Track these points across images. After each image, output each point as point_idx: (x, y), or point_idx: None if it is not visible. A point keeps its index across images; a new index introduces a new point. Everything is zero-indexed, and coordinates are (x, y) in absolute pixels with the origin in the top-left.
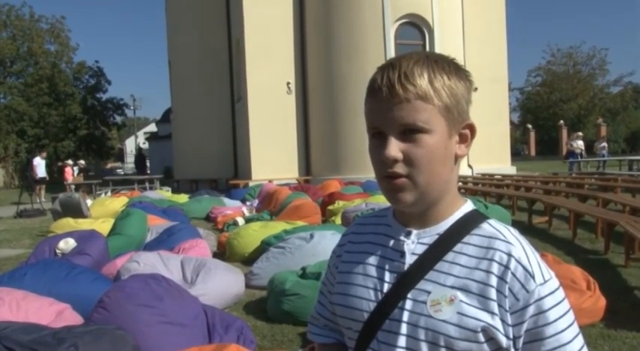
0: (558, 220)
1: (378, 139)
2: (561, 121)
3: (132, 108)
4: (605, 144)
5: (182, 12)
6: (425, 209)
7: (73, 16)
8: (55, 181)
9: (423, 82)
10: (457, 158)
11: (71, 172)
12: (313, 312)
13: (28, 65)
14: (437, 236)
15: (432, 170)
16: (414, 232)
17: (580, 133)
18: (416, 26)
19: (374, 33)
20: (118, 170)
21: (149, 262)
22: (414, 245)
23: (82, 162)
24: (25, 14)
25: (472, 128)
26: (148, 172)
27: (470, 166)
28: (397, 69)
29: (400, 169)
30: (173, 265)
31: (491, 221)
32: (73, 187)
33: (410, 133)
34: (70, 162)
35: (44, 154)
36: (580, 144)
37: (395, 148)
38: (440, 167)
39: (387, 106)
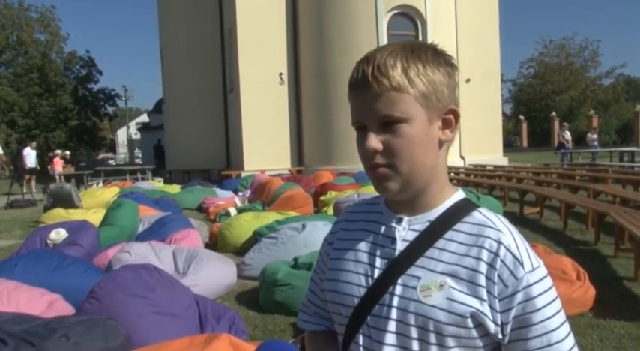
0: (549, 211)
1: (361, 132)
2: (553, 113)
3: (124, 98)
4: (596, 135)
5: (174, 1)
6: (414, 197)
7: (64, 5)
8: (47, 172)
9: (396, 72)
10: (442, 144)
11: (60, 163)
12: (304, 299)
13: (18, 55)
14: (428, 223)
15: (413, 158)
16: (405, 219)
17: (565, 124)
18: (409, 17)
19: (367, 23)
20: (110, 161)
21: (141, 253)
22: (404, 232)
23: (68, 153)
24: (13, 3)
25: (455, 113)
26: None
27: (462, 157)
28: (371, 62)
29: (381, 160)
30: (165, 256)
31: (482, 210)
32: (62, 177)
33: (389, 124)
34: (58, 152)
35: (34, 145)
36: (567, 135)
37: (375, 140)
38: (422, 155)
39: (364, 100)
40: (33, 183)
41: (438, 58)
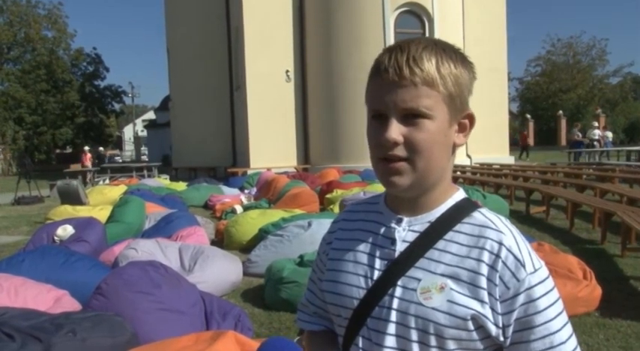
0: (556, 209)
1: (378, 121)
2: (560, 112)
3: (130, 95)
4: (611, 133)
5: None
6: (417, 196)
7: (71, 2)
8: (55, 168)
9: (430, 67)
10: (455, 147)
11: (88, 158)
12: (302, 299)
13: (26, 52)
14: (428, 224)
15: (431, 156)
16: (405, 219)
17: (595, 123)
18: (416, 15)
19: (373, 21)
20: (116, 158)
21: (147, 250)
22: (404, 232)
23: (101, 149)
24: (21, 0)
25: (472, 118)
26: None
27: (468, 155)
28: (406, 52)
29: (400, 152)
30: (171, 253)
31: (483, 210)
32: (92, 172)
33: (412, 117)
34: (87, 148)
35: None
36: (597, 133)
37: (396, 130)
38: (439, 153)
39: (392, 89)
40: None
41: (465, 61)
